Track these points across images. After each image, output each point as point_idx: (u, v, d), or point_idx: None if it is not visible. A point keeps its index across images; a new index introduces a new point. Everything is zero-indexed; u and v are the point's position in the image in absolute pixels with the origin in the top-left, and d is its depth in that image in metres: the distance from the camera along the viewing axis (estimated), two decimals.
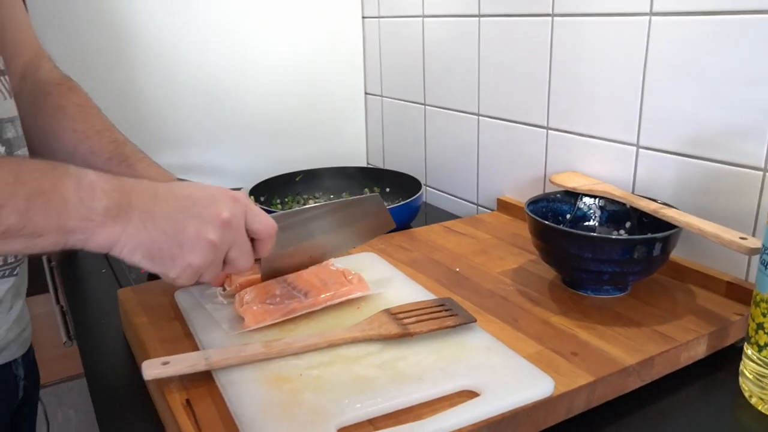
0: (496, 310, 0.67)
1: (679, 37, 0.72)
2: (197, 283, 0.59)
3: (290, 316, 0.63)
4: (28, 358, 0.73)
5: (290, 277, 0.68)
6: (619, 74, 0.80)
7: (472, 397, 0.51)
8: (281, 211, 0.70)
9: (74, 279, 0.90)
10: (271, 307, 0.63)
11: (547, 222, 0.69)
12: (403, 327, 0.60)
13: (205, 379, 0.54)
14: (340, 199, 0.71)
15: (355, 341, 0.59)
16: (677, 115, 0.74)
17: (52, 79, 0.75)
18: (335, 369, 0.55)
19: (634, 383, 0.58)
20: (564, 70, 0.88)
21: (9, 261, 0.64)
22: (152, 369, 0.53)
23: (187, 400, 0.52)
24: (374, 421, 0.49)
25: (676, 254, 0.76)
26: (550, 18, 0.88)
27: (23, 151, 0.64)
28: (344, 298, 0.66)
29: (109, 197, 0.49)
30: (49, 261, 1.26)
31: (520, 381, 0.53)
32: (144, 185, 0.53)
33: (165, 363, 0.54)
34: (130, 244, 0.50)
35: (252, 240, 0.57)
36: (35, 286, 0.95)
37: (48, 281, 1.31)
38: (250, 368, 0.55)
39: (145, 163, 0.72)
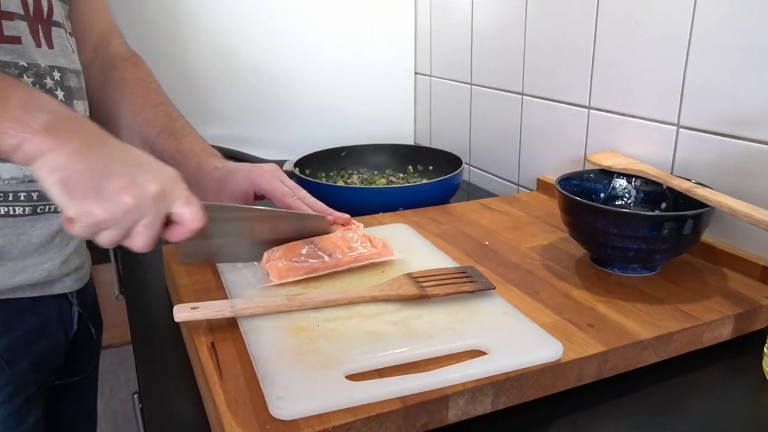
0: (519, 282, 0.68)
1: (725, 13, 0.70)
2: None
3: (313, 275, 0.66)
4: (85, 296, 0.78)
5: (317, 238, 0.71)
6: (663, 52, 0.78)
7: (480, 356, 0.53)
8: (217, 203, 0.71)
9: None
10: (296, 264, 0.66)
11: (571, 195, 0.69)
12: (422, 289, 0.62)
13: (230, 326, 0.58)
14: (284, 210, 0.71)
15: (374, 300, 0.62)
16: (719, 94, 0.72)
17: (120, 54, 0.81)
18: (351, 323, 0.58)
19: (650, 357, 0.58)
20: (607, 48, 0.87)
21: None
22: (182, 312, 0.57)
23: (212, 343, 0.56)
24: (381, 371, 0.51)
25: (712, 237, 0.74)
26: None
27: (83, 102, 0.70)
28: (366, 262, 0.68)
29: (56, 115, 0.48)
30: None
31: (528, 344, 0.54)
32: (99, 128, 0.52)
33: (194, 308, 0.57)
34: (54, 164, 0.47)
35: (169, 223, 0.55)
36: (103, 255, 1.03)
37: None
38: (271, 317, 0.58)
39: (191, 138, 0.78)
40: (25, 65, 0.60)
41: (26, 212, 0.65)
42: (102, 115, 0.80)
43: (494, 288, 0.63)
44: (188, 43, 1.19)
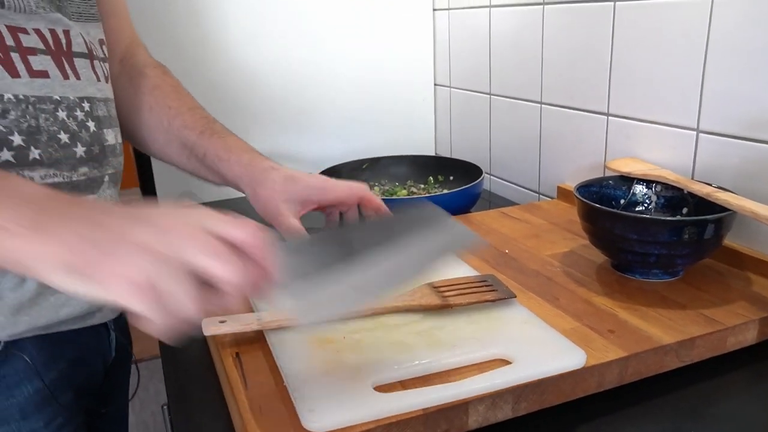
0: (539, 289, 0.68)
1: (741, 19, 0.70)
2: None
3: None
4: (121, 322, 0.79)
5: None
6: (680, 58, 0.78)
7: (503, 365, 0.53)
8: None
9: None
10: None
11: (590, 202, 0.70)
12: (444, 299, 0.63)
13: (255, 336, 0.59)
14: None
15: (397, 311, 0.63)
16: (738, 98, 0.72)
17: (148, 63, 0.83)
18: (377, 334, 0.59)
19: (672, 362, 0.58)
20: (625, 55, 0.87)
21: None
22: (210, 326, 0.59)
23: (237, 353, 0.57)
24: (405, 383, 0.52)
25: (736, 241, 0.74)
26: (612, 3, 0.88)
27: (114, 130, 0.71)
28: None
29: (33, 204, 0.41)
30: None
31: (551, 352, 0.54)
32: (61, 196, 0.44)
33: (222, 321, 0.59)
34: (49, 260, 0.40)
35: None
36: None
37: None
38: (297, 329, 0.59)
39: (233, 137, 0.78)
40: (58, 98, 0.62)
41: None
42: (135, 124, 0.81)
43: (515, 296, 0.63)
44: (212, 62, 1.22)
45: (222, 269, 0.39)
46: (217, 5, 1.19)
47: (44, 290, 0.63)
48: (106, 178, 0.67)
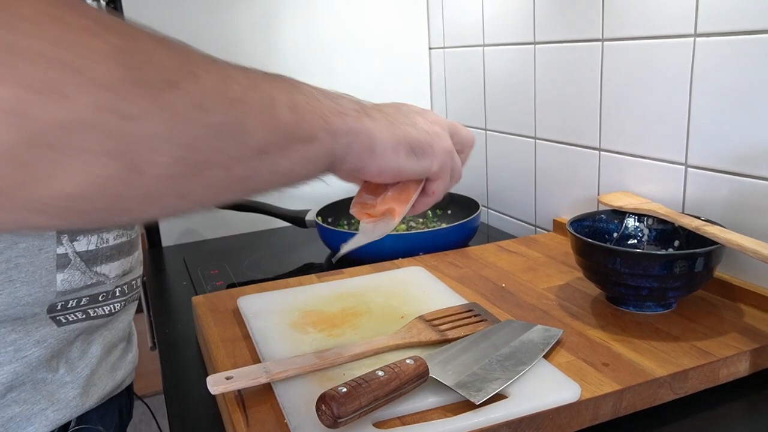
0: (535, 322, 0.69)
1: (722, 58, 0.73)
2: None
3: None
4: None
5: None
6: (666, 95, 0.81)
7: (499, 400, 0.54)
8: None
9: (160, 290, 1.01)
10: None
11: (583, 237, 0.71)
12: (441, 333, 0.65)
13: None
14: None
15: (398, 348, 0.64)
16: (725, 133, 0.75)
17: None
18: None
19: (667, 395, 0.59)
20: (614, 92, 0.90)
21: (134, 287, 0.69)
22: (218, 385, 0.56)
23: (239, 391, 0.58)
24: (404, 419, 0.53)
25: (728, 273, 0.75)
26: (600, 43, 0.91)
27: None
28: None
29: (352, 103, 0.46)
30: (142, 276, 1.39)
31: (547, 386, 0.56)
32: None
33: (229, 378, 0.57)
34: (392, 141, 0.46)
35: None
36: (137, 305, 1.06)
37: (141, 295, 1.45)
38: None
39: None
40: None
41: (118, 307, 0.66)
42: None
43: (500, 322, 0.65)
44: None
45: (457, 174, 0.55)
46: (219, 47, 1.23)
47: (104, 355, 0.64)
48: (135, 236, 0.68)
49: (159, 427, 0.80)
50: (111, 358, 0.66)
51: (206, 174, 0.33)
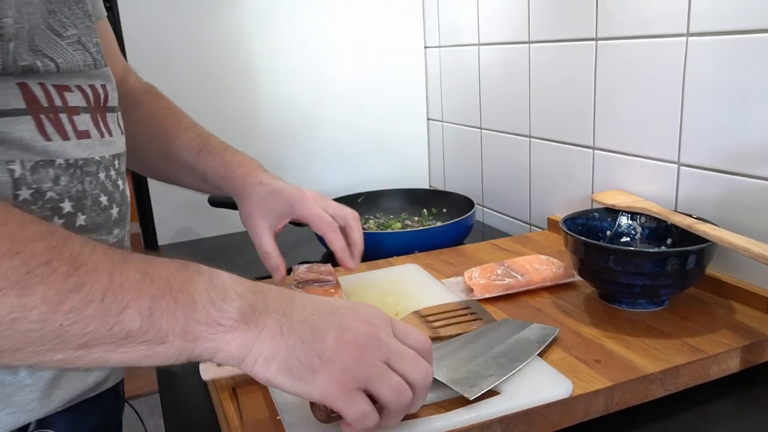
0: (528, 320, 0.70)
1: (716, 56, 0.74)
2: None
3: (509, 292, 0.76)
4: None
5: (508, 260, 0.81)
6: (659, 94, 0.82)
7: (492, 396, 0.55)
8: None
9: None
10: (495, 282, 0.76)
11: (576, 235, 0.72)
12: (434, 330, 0.65)
13: None
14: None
15: None
16: (717, 132, 0.75)
17: (139, 89, 0.83)
18: None
19: (658, 392, 0.59)
20: (608, 91, 0.90)
21: None
22: (209, 370, 0.59)
23: (233, 389, 0.59)
24: None
25: (720, 271, 0.76)
26: (594, 42, 0.91)
27: (125, 181, 0.68)
28: (552, 282, 0.78)
29: (243, 298, 0.44)
30: None
31: (539, 382, 0.56)
32: (280, 289, 0.47)
33: (220, 365, 0.59)
34: (265, 353, 0.43)
35: None
36: None
37: None
38: None
39: (230, 152, 0.79)
40: (98, 159, 0.58)
41: None
42: (137, 153, 0.79)
43: (495, 321, 0.66)
44: (215, 104, 1.25)
45: (420, 376, 0.46)
46: (217, 48, 1.23)
47: None
48: (126, 237, 0.65)
49: (145, 429, 0.79)
50: None
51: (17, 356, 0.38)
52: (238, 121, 1.27)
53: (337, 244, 0.75)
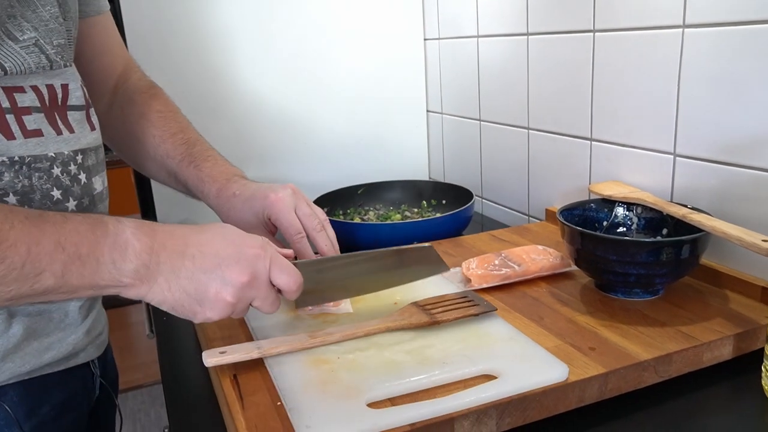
0: (525, 309, 0.71)
1: (712, 47, 0.74)
2: None
3: (505, 282, 0.77)
4: (105, 359, 0.78)
5: (505, 251, 0.82)
6: (656, 86, 0.82)
7: (489, 380, 0.56)
8: (318, 258, 0.72)
9: None
10: (493, 273, 0.77)
11: (572, 225, 0.73)
12: (431, 316, 0.66)
13: (252, 359, 0.62)
14: (386, 249, 0.69)
15: (388, 330, 0.66)
16: (712, 123, 0.76)
17: (139, 88, 0.84)
18: (369, 353, 0.62)
19: (651, 378, 0.60)
20: (605, 82, 0.91)
21: None
22: (212, 358, 0.60)
23: (235, 375, 0.60)
24: (394, 399, 0.55)
25: (714, 260, 0.77)
26: (591, 34, 0.92)
27: (101, 176, 0.70)
28: (549, 272, 0.80)
29: (139, 258, 0.54)
30: None
31: (535, 366, 0.57)
32: (176, 239, 0.56)
33: (222, 352, 0.60)
34: (156, 300, 0.56)
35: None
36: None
37: None
38: (294, 352, 0.62)
39: (210, 162, 0.79)
40: (53, 155, 0.61)
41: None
42: (131, 152, 0.82)
43: (495, 309, 0.67)
44: (217, 97, 1.26)
45: (269, 309, 0.61)
46: (218, 40, 1.24)
47: (29, 335, 0.62)
48: None
49: (121, 420, 0.79)
50: (36, 340, 0.63)
51: None
52: (237, 114, 1.28)
53: (306, 254, 0.74)
